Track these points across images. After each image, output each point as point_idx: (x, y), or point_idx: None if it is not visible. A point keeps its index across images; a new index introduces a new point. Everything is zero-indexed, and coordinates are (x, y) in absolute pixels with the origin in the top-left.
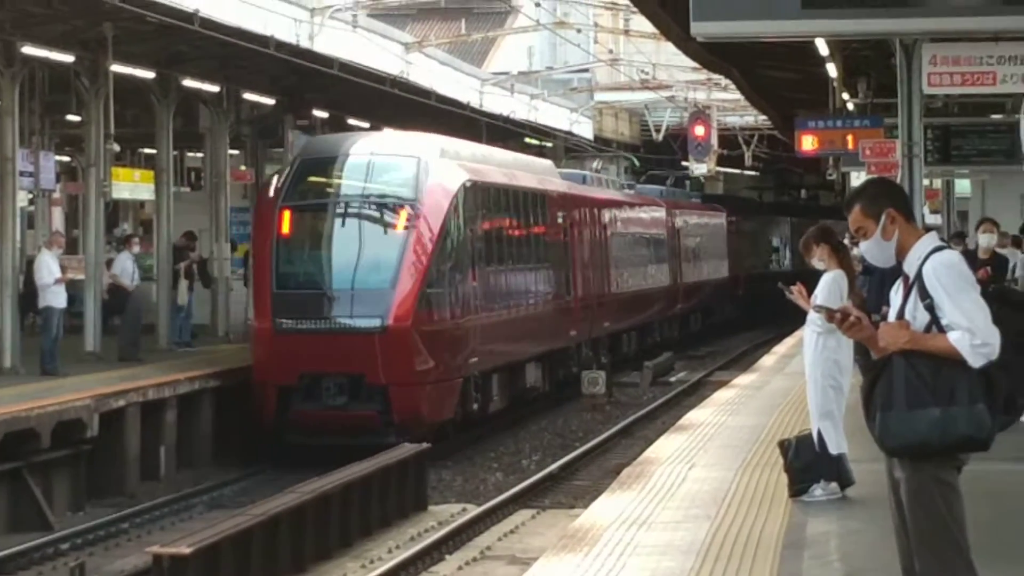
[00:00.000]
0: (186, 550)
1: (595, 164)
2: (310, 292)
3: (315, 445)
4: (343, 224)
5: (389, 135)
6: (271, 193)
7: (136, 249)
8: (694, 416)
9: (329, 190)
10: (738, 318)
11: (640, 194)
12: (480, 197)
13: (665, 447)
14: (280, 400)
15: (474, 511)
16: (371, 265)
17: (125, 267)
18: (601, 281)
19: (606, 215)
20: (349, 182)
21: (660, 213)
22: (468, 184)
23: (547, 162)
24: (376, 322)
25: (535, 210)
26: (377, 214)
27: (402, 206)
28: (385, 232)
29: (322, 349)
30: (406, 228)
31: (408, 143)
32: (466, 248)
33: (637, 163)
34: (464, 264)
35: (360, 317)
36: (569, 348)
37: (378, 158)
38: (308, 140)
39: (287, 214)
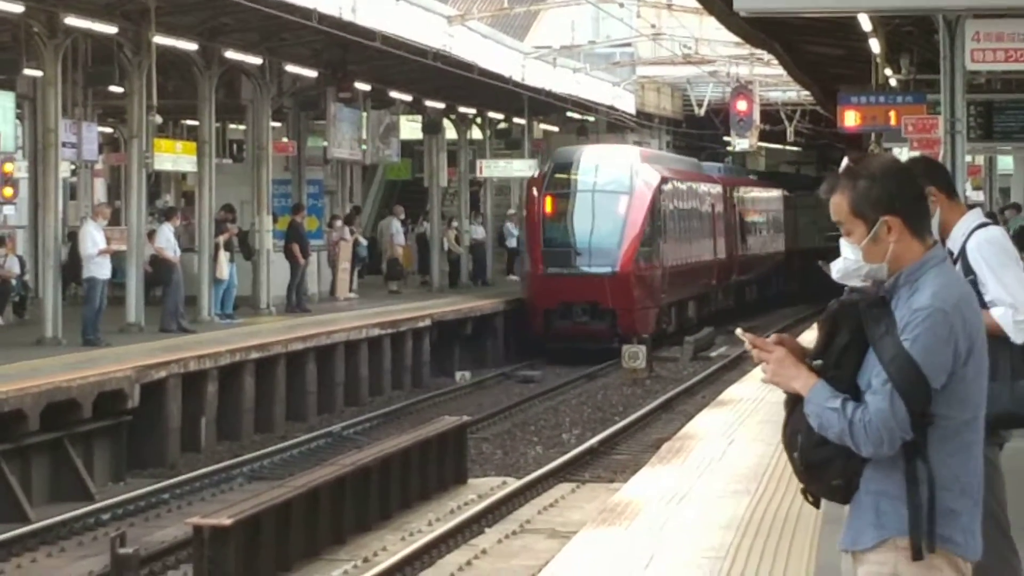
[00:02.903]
0: (227, 521)
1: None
2: (565, 249)
3: (568, 348)
4: (585, 205)
5: (608, 147)
6: (535, 184)
7: (178, 223)
8: (734, 391)
9: (574, 183)
10: None
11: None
12: (665, 188)
13: (705, 422)
14: (545, 319)
15: (514, 484)
16: (603, 231)
17: (168, 239)
18: (733, 245)
19: (736, 196)
20: (586, 178)
21: (777, 193)
22: (660, 180)
23: (693, 159)
24: (608, 268)
25: (694, 195)
26: (606, 199)
27: (621, 194)
28: (611, 210)
29: (573, 286)
30: (624, 208)
31: (621, 152)
32: (659, 222)
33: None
34: (658, 232)
35: (597, 265)
36: (711, 294)
37: (603, 162)
38: (558, 149)
39: (548, 198)
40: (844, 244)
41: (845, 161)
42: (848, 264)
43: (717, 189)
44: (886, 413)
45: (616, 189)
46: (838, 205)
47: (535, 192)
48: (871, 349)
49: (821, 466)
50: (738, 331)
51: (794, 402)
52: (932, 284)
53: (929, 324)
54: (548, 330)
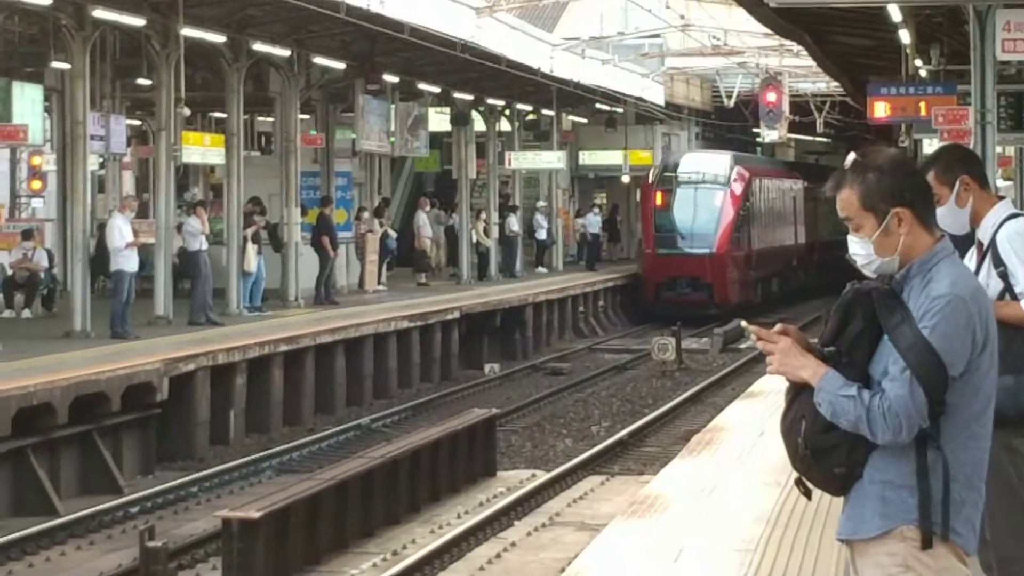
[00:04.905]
0: (256, 514)
1: None
2: (672, 234)
3: (673, 314)
4: (688, 198)
5: (708, 152)
6: (650, 181)
7: (204, 216)
8: (764, 383)
9: (680, 179)
10: None
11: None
12: (753, 183)
13: (735, 414)
14: (655, 290)
15: (543, 477)
16: (704, 218)
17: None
18: (813, 233)
19: (817, 190)
20: (689, 175)
21: None
22: (749, 176)
23: (780, 160)
24: (707, 249)
25: (779, 190)
26: (706, 193)
27: (718, 189)
28: (710, 202)
29: (678, 263)
30: (720, 201)
31: (717, 156)
32: (749, 211)
33: None
34: (749, 220)
35: (698, 247)
36: (793, 273)
37: (702, 163)
38: (666, 152)
39: (659, 193)
40: (852, 240)
41: (850, 157)
42: (858, 260)
43: (799, 185)
44: (906, 399)
45: (714, 185)
46: (847, 200)
47: (648, 187)
48: (884, 338)
49: (825, 452)
50: (742, 323)
51: (796, 392)
52: (948, 274)
53: (949, 311)
54: (657, 300)
